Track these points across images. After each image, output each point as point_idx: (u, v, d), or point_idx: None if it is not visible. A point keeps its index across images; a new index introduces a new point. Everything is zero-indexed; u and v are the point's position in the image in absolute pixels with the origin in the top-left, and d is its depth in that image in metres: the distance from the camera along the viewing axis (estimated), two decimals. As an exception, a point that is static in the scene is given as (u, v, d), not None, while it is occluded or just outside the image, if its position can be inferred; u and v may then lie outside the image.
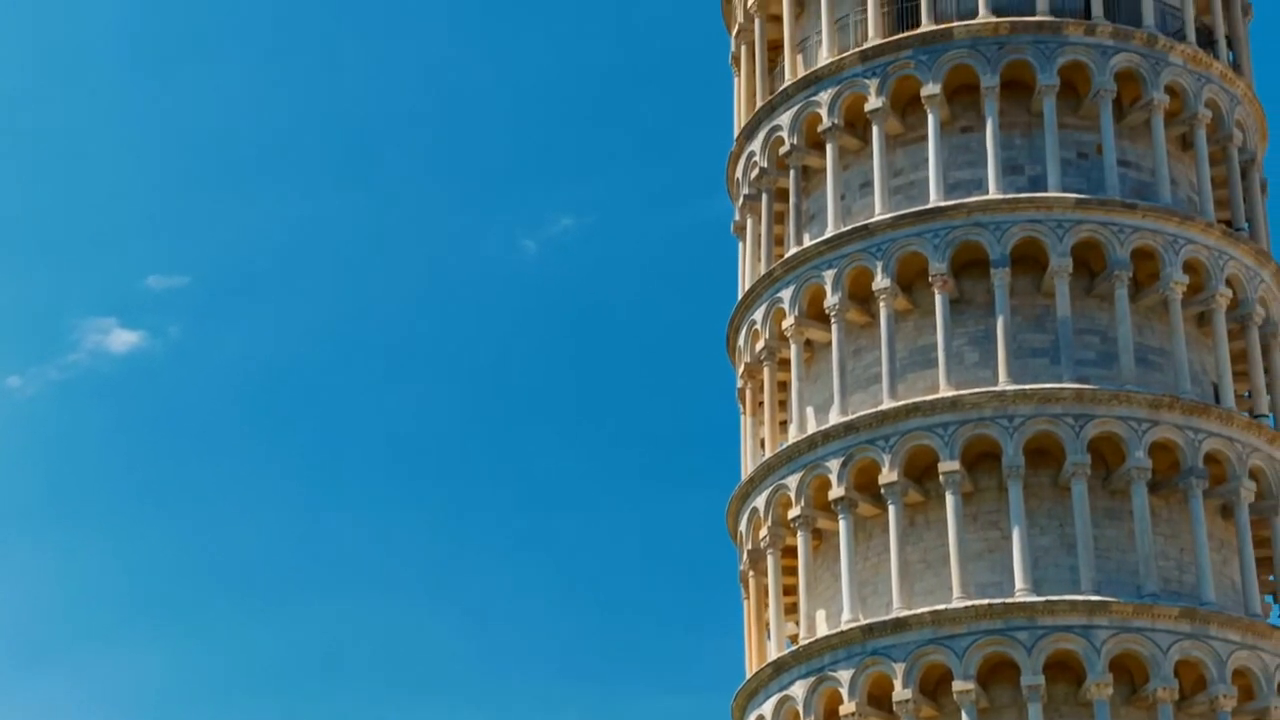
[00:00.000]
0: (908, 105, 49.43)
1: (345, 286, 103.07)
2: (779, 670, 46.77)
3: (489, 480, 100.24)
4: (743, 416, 50.96)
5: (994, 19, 48.88)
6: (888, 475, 45.79)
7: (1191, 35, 50.10)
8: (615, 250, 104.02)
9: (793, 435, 48.37)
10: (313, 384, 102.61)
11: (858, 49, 49.83)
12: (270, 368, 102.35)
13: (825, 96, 49.81)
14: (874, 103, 48.97)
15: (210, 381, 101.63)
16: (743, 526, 49.43)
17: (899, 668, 44.27)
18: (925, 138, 48.62)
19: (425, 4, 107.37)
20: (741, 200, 52.20)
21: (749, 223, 51.82)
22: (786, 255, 49.80)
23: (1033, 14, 49.11)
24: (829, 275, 48.27)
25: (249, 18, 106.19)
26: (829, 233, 48.81)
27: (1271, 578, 47.82)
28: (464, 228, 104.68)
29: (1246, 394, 49.02)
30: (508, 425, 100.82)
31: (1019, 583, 44.47)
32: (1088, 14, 49.48)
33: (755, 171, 51.40)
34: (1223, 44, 51.41)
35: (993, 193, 47.64)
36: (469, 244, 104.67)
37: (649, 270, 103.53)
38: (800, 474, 47.31)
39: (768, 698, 47.04)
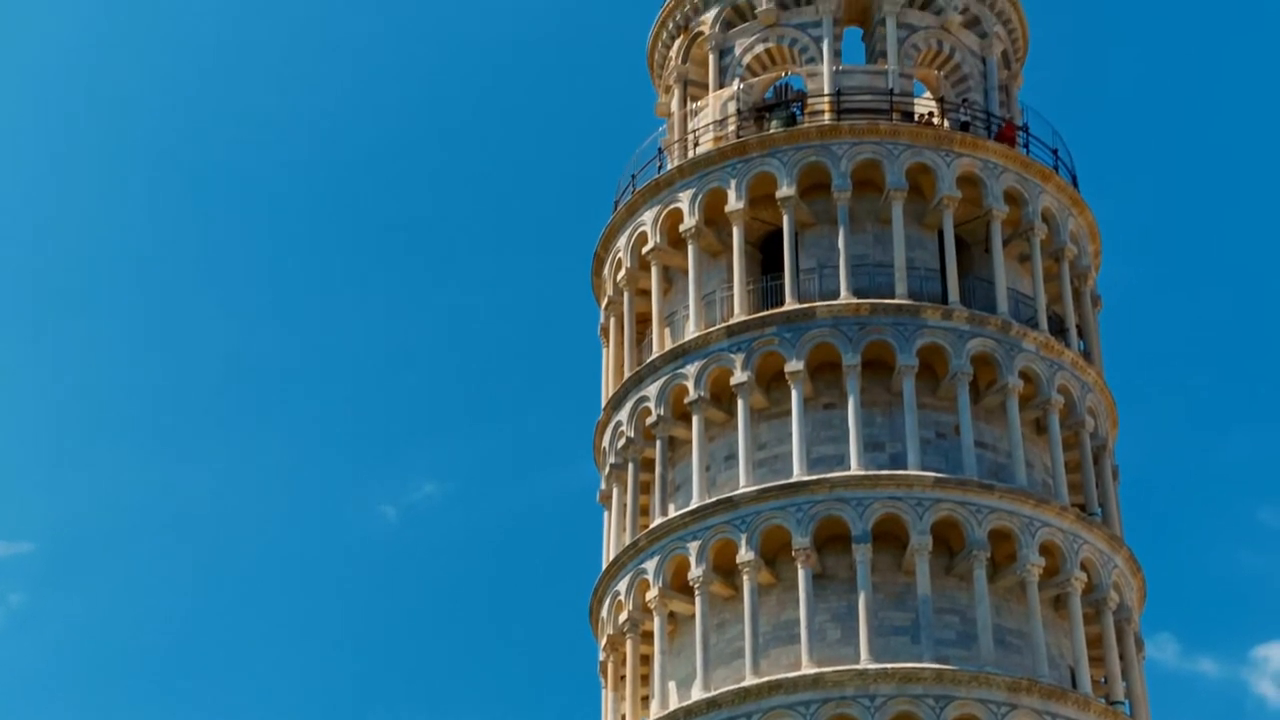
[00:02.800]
0: (772, 380, 47.74)
1: (197, 553, 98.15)
2: None
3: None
4: (604, 690, 48.12)
5: (855, 300, 47.54)
6: (750, 753, 43.01)
7: (1044, 323, 49.06)
8: (477, 518, 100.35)
9: (654, 711, 45.63)
10: (163, 653, 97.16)
11: (724, 324, 48.25)
12: (117, 636, 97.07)
13: (692, 369, 48.02)
14: (739, 377, 47.18)
15: (54, 650, 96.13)
16: (602, 801, 46.27)
17: None
18: (789, 412, 46.83)
19: (282, 268, 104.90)
20: (608, 469, 49.99)
21: (615, 492, 49.56)
22: (651, 526, 47.52)
23: (892, 297, 47.80)
24: (693, 547, 45.93)
25: (86, 286, 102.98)
26: (694, 504, 46.62)
27: None
28: (322, 492, 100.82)
29: (1103, 680, 46.98)
30: (364, 695, 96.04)
31: None
32: (945, 299, 48.24)
33: (622, 441, 49.28)
34: (1073, 333, 50.42)
35: (854, 469, 45.76)
36: (327, 509, 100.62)
37: (511, 539, 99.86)
38: (662, 750, 44.40)
39: None
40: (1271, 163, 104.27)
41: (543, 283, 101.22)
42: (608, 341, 52.17)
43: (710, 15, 53.56)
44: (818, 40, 51.96)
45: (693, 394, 47.76)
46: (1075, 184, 51.70)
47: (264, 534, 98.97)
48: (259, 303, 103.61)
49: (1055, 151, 51.69)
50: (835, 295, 47.89)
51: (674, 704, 45.16)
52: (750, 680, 43.73)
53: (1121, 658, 46.93)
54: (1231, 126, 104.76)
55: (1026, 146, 51.57)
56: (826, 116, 50.38)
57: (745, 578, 44.97)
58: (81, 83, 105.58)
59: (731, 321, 48.15)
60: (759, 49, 52.73)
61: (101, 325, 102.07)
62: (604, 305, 52.59)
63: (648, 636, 46.88)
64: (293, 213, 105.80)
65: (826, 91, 50.90)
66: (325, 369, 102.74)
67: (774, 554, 45.62)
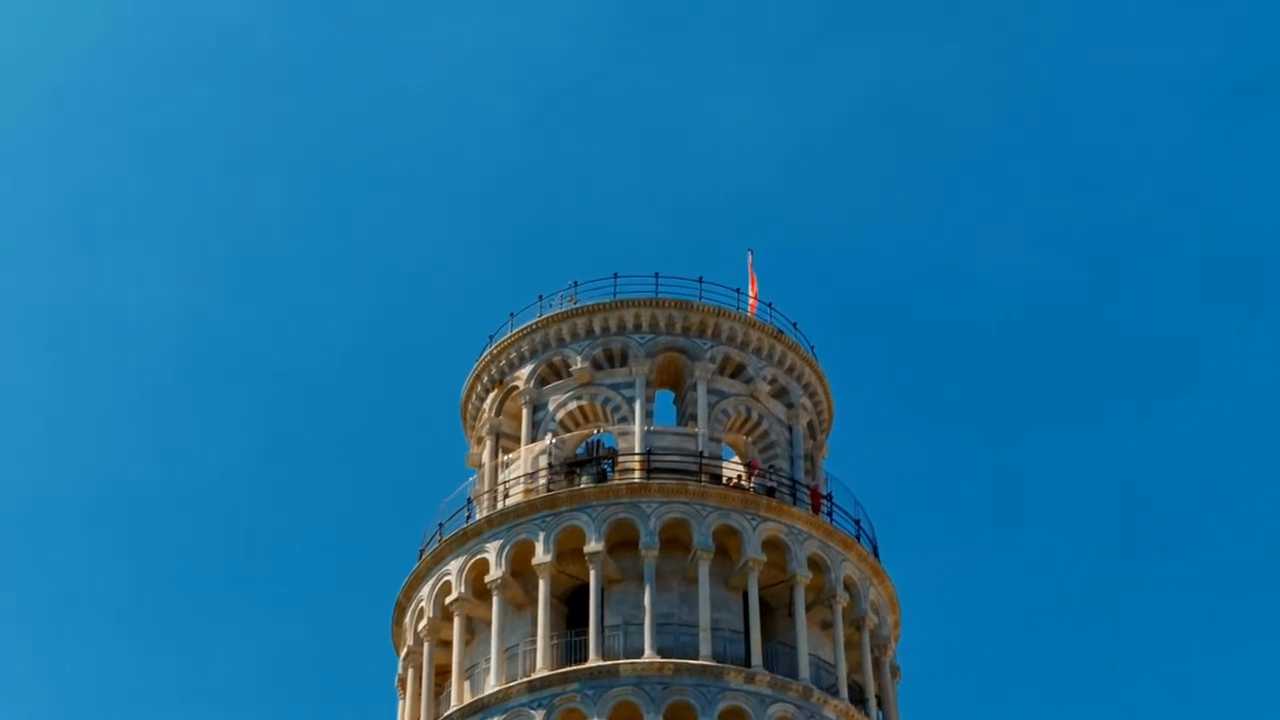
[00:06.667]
0: (574, 738, 44.90)
1: None
2: None
3: None
4: None
5: (659, 659, 45.33)
6: None
7: (844, 691, 47.21)
8: None
9: None
10: None
11: (526, 679, 45.59)
12: None
13: (491, 724, 45.10)
14: (539, 734, 44.37)
15: None
16: None
17: None
18: (590, 772, 43.99)
19: (93, 603, 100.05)
20: (402, 831, 46.35)
21: None
22: None
23: (696, 657, 45.58)
24: None
25: None
26: None
27: None
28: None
29: None
30: None
31: None
32: (748, 661, 46.13)
33: (413, 798, 45.77)
34: (873, 702, 48.55)
35: (655, 841, 42.97)
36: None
37: None
38: None
39: None
40: (1067, 540, 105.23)
41: (339, 632, 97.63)
42: (404, 693, 49.13)
43: (525, 371, 52.31)
44: (630, 400, 50.87)
45: (491, 751, 44.81)
46: (876, 554, 50.45)
47: None
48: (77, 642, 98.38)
49: (858, 521, 50.64)
50: (639, 653, 45.63)
51: None
52: None
53: None
54: (1025, 502, 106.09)
55: (830, 515, 50.44)
56: (637, 475, 48.90)
57: None
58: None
59: (534, 676, 45.52)
60: (572, 405, 51.43)
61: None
62: (403, 655, 49.65)
63: None
64: (91, 547, 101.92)
65: (637, 450, 49.53)
66: (113, 705, 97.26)
67: None
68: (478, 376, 53.65)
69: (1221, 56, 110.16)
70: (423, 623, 48.62)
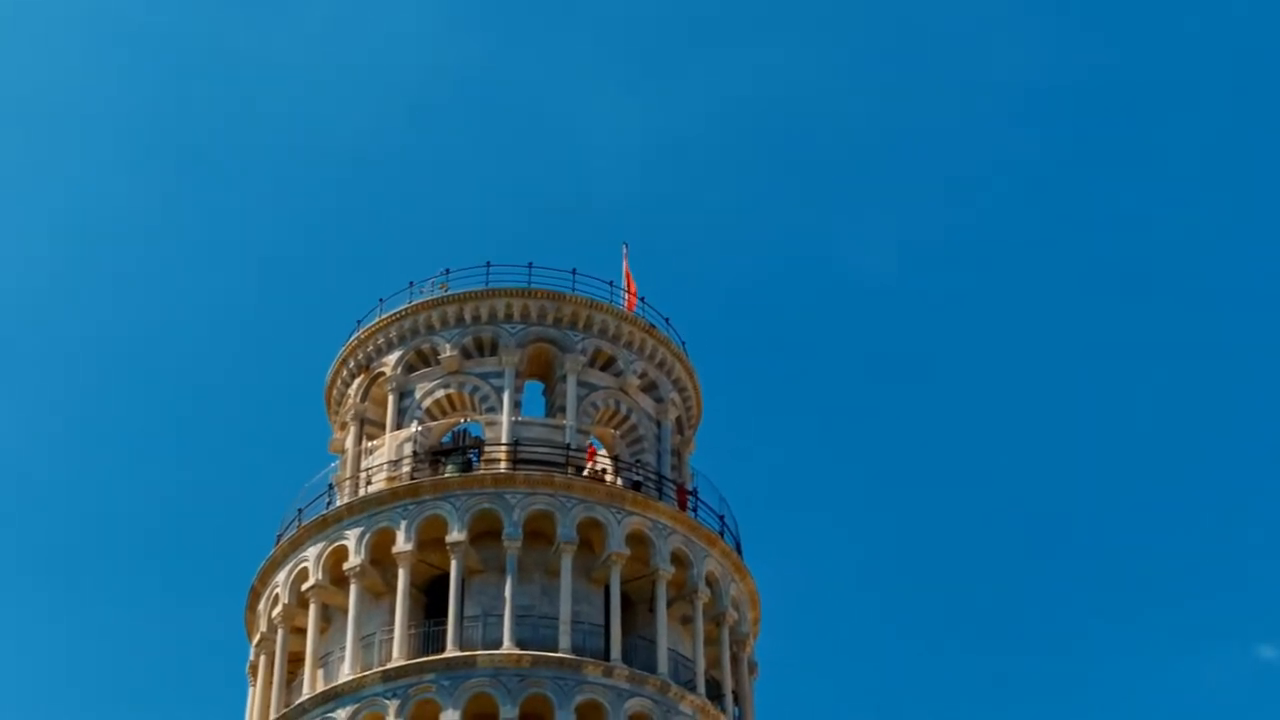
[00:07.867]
0: (428, 729, 44.10)
1: None
2: None
3: None
4: None
5: (517, 651, 44.71)
6: None
7: (702, 687, 46.78)
8: None
9: None
10: None
11: (381, 668, 44.71)
12: None
13: (343, 714, 44.35)
14: (393, 725, 43.50)
15: None
16: None
17: None
18: (443, 765, 43.21)
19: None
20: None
21: None
22: None
23: (555, 650, 44.98)
24: None
25: None
26: None
27: None
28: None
29: None
30: None
31: None
32: (607, 655, 45.60)
33: (263, 785, 44.76)
34: (729, 698, 48.22)
35: (507, 835, 42.35)
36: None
37: None
38: None
39: None
40: (931, 540, 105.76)
41: (192, 617, 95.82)
42: (255, 680, 48.04)
43: (393, 357, 51.40)
44: (499, 390, 50.13)
45: (342, 739, 43.87)
46: (739, 551, 50.08)
47: None
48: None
49: (722, 518, 50.32)
50: (498, 645, 44.95)
51: None
52: None
53: None
54: (889, 503, 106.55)
55: (695, 510, 50.01)
56: (503, 465, 48.20)
57: None
58: None
59: (389, 666, 44.69)
60: (440, 394, 50.60)
61: None
62: (255, 641, 48.57)
63: None
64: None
65: (504, 441, 48.84)
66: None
67: None
68: (344, 361, 52.66)
69: (1089, 64, 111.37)
70: (277, 609, 47.60)
